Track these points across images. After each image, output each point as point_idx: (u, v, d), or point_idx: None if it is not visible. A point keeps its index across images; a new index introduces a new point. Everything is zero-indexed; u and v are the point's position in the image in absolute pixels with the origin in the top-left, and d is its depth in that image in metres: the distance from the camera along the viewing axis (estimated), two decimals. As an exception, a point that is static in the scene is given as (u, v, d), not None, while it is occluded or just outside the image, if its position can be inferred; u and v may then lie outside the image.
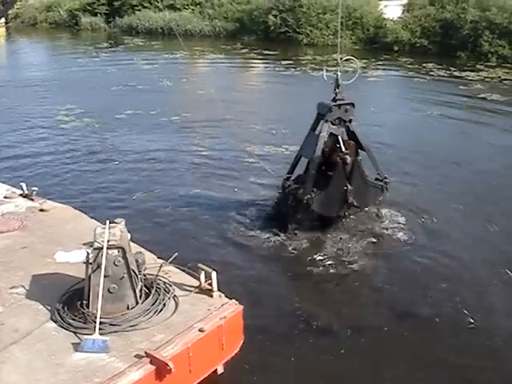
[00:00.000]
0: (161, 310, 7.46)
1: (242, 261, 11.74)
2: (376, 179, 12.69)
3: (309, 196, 11.89)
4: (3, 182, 13.13)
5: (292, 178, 12.75)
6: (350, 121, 11.97)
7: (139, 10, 61.19)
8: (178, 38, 40.62)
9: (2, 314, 7.86)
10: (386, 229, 12.93)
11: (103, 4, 66.50)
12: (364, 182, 12.37)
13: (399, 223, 13.19)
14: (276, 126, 21.49)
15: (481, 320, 9.70)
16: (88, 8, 67.31)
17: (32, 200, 11.78)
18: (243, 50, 44.93)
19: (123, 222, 7.76)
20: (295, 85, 30.72)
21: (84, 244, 9.27)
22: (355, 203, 12.21)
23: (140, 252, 8.20)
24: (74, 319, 7.38)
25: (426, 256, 11.95)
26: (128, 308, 7.36)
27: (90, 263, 7.25)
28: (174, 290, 7.87)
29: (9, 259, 9.39)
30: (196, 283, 7.97)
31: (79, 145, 19.84)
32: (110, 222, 7.49)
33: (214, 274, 7.68)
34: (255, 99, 28.28)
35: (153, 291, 7.68)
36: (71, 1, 73.42)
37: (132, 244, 8.02)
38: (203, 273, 7.82)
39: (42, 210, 11.29)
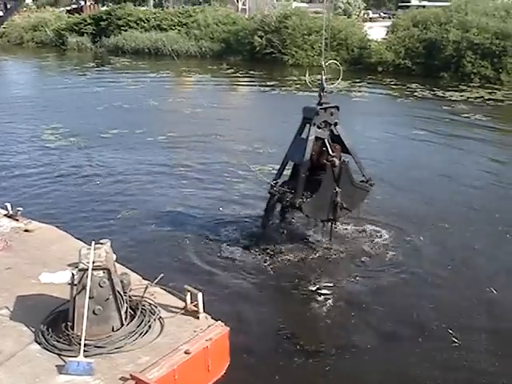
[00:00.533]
0: (146, 332, 7.40)
1: (227, 281, 11.71)
2: (361, 181, 12.68)
3: (301, 200, 11.86)
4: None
5: (279, 184, 12.68)
6: (336, 124, 12.11)
7: (125, 31, 61.52)
8: (172, 53, 40.70)
9: (-14, 336, 7.79)
10: (372, 247, 13.02)
11: (90, 24, 66.79)
12: (351, 184, 12.43)
13: (384, 241, 13.29)
14: (262, 144, 21.59)
15: (464, 338, 9.78)
16: (74, 28, 67.58)
17: (17, 220, 11.69)
18: (229, 70, 45.25)
19: (108, 243, 7.72)
20: (281, 104, 30.95)
21: (69, 265, 9.21)
22: (345, 205, 12.28)
23: (125, 273, 8.16)
24: (58, 341, 7.31)
25: (411, 275, 12.01)
26: (113, 330, 7.30)
27: (75, 284, 7.20)
28: (159, 311, 7.82)
29: (-7, 280, 9.32)
30: (182, 304, 7.93)
31: (64, 164, 19.78)
32: (95, 243, 7.46)
33: (199, 296, 7.65)
34: (241, 119, 28.44)
35: (138, 313, 7.62)
36: (58, 20, 73.72)
37: (117, 265, 7.98)
38: (189, 294, 7.78)
39: (26, 231, 11.20)
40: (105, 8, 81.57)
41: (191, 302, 7.79)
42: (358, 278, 11.86)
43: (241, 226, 14.16)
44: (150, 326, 7.50)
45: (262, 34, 49.76)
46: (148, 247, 13.18)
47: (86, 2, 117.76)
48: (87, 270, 7.07)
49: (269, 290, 11.65)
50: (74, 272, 7.30)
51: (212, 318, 7.74)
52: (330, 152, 11.99)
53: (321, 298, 11.15)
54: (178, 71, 45.63)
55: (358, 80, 39.94)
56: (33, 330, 7.74)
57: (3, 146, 22.26)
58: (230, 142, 22.40)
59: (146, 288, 7.97)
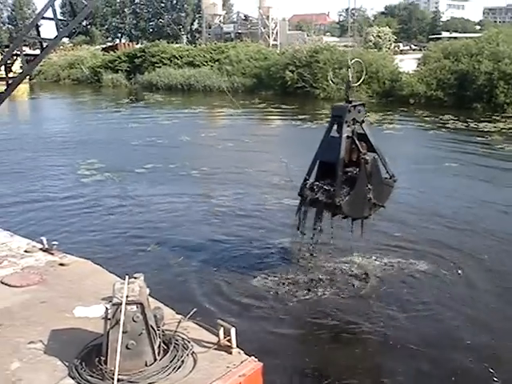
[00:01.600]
0: (179, 367, 7.36)
1: (261, 315, 11.58)
2: (385, 178, 12.58)
3: (341, 198, 11.65)
4: (24, 236, 13.27)
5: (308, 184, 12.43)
6: (363, 121, 12.02)
7: (159, 67, 62.84)
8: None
9: (20, 370, 7.83)
10: (411, 280, 12.82)
11: (124, 61, 68.46)
12: (380, 181, 12.35)
13: (424, 273, 13.10)
14: (295, 178, 21.52)
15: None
16: (110, 65, 69.33)
17: (52, 254, 11.85)
18: (261, 105, 45.66)
19: (142, 277, 7.76)
20: (312, 138, 30.93)
21: (103, 299, 9.27)
22: (376, 202, 12.16)
23: (158, 307, 8.16)
24: (91, 376, 7.31)
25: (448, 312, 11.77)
26: (146, 365, 7.27)
27: (109, 319, 7.23)
28: (192, 346, 7.78)
29: (28, 314, 9.40)
30: (215, 339, 7.88)
31: (99, 199, 20.05)
32: (129, 277, 7.49)
33: (233, 331, 7.60)
34: (273, 152, 28.50)
35: (171, 348, 7.60)
36: (93, 58, 75.77)
37: (150, 299, 7.99)
38: (222, 329, 7.73)
39: (61, 265, 11.33)
40: (139, 46, 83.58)
41: (224, 337, 7.74)
42: (396, 314, 11.62)
43: (273, 259, 14.14)
44: (182, 361, 7.45)
45: (294, 69, 50.26)
46: (180, 280, 13.17)
47: (120, 40, 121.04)
48: (121, 304, 7.09)
49: (303, 325, 11.48)
50: (108, 306, 7.33)
51: (245, 353, 7.67)
52: (361, 149, 11.92)
53: (358, 336, 10.95)
54: (210, 106, 46.26)
55: (389, 112, 39.95)
56: (66, 364, 7.76)
57: (40, 181, 22.69)
58: (263, 175, 22.46)
59: (179, 322, 7.95)
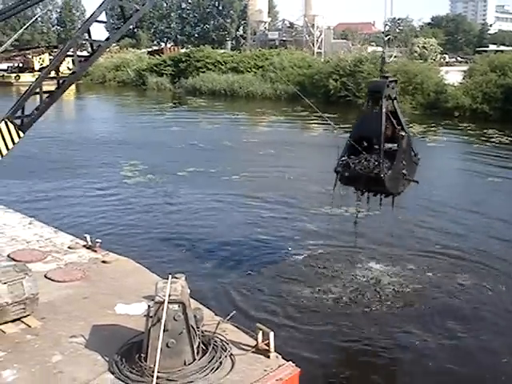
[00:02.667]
0: (217, 368, 7.44)
1: (300, 320, 11.59)
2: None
3: (385, 172, 11.55)
4: (68, 233, 13.57)
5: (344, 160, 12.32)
6: (395, 98, 12.09)
7: (203, 72, 63.37)
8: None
9: (61, 362, 8.01)
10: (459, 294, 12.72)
11: (169, 65, 69.28)
12: (411, 157, 12.33)
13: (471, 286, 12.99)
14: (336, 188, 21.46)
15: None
16: (155, 68, 70.23)
17: (95, 251, 12.10)
18: (303, 113, 45.56)
19: (184, 277, 7.88)
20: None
21: (144, 297, 9.44)
22: (409, 177, 12.11)
23: (198, 308, 8.26)
24: (131, 372, 7.44)
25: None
26: (185, 364, 7.37)
27: (151, 317, 7.34)
28: (230, 348, 7.85)
29: (70, 309, 9.62)
30: (253, 342, 7.93)
31: (141, 200, 20.35)
32: (171, 277, 7.61)
33: (271, 335, 7.64)
34: (315, 161, 28.49)
35: (210, 348, 7.68)
36: (139, 61, 76.88)
37: (191, 299, 8.10)
38: (261, 332, 7.78)
39: (104, 262, 11.56)
40: (184, 50, 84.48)
41: (263, 341, 7.79)
42: (437, 328, 11.51)
43: (312, 265, 14.15)
44: (221, 363, 7.53)
45: (337, 78, 50.09)
46: (219, 282, 13.29)
47: (166, 44, 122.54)
48: (163, 302, 7.21)
49: (344, 333, 11.37)
50: (151, 304, 7.45)
51: (283, 357, 7.70)
52: (396, 125, 11.88)
53: (399, 348, 10.85)
54: (252, 112, 46.45)
55: (433, 124, 39.51)
56: (107, 359, 7.92)
57: (85, 180, 23.15)
58: (303, 183, 22.45)
59: (218, 324, 8.04)
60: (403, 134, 11.88)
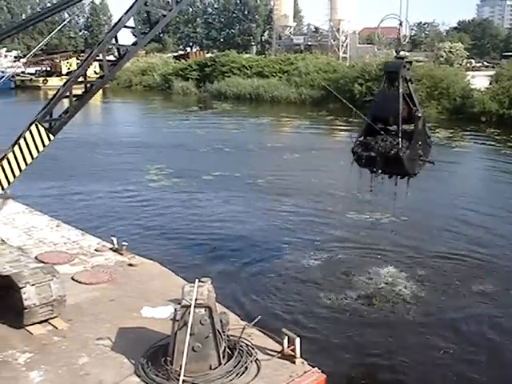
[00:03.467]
0: (242, 373, 7.44)
1: (326, 326, 11.53)
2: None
3: (404, 151, 11.61)
4: (94, 236, 13.70)
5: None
6: (410, 80, 12.01)
7: (229, 77, 63.56)
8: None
9: (88, 364, 8.08)
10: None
11: (195, 70, 69.65)
12: (426, 139, 12.31)
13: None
14: (361, 193, 21.34)
15: None
16: (180, 73, 70.65)
17: (121, 254, 12.20)
18: (328, 117, 45.52)
19: (210, 282, 7.90)
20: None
21: (170, 301, 9.49)
22: (424, 158, 12.07)
23: (224, 312, 8.28)
24: (157, 375, 7.48)
25: None
26: (211, 368, 7.38)
27: (177, 320, 7.38)
28: (256, 353, 7.85)
29: (97, 311, 9.71)
30: (279, 348, 7.92)
31: (167, 203, 20.45)
32: (198, 281, 7.63)
33: (297, 341, 7.62)
34: (340, 165, 28.36)
35: (235, 353, 7.69)
36: (165, 66, 77.40)
37: (217, 304, 8.11)
38: (286, 338, 7.77)
39: (130, 265, 11.66)
40: (210, 55, 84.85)
41: (288, 346, 7.77)
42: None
43: (337, 270, 14.11)
44: (246, 368, 7.53)
45: (362, 82, 49.84)
46: (245, 286, 13.28)
47: (192, 49, 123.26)
48: (190, 306, 7.23)
49: (367, 340, 11.28)
50: (177, 308, 7.48)
51: (309, 363, 7.67)
52: (412, 106, 11.84)
53: (424, 357, 10.70)
54: (277, 117, 46.45)
55: (459, 129, 39.13)
56: (133, 362, 7.97)
57: (111, 184, 23.32)
58: (328, 188, 22.34)
59: (244, 329, 8.04)
60: (419, 114, 11.86)
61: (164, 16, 10.74)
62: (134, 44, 10.84)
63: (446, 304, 12.60)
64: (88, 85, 10.69)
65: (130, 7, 10.57)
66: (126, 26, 10.61)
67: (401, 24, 12.35)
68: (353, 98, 50.12)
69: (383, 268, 14.11)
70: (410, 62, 12.24)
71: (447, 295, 12.97)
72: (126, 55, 10.99)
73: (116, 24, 10.84)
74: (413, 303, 12.50)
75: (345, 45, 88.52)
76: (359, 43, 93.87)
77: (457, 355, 10.67)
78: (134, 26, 10.67)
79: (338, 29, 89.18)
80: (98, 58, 10.61)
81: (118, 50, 10.84)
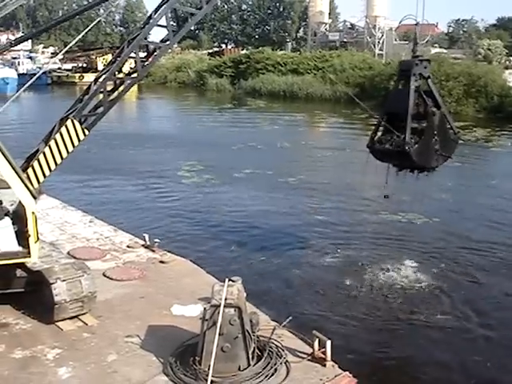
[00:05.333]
0: (272, 375, 7.33)
1: (358, 330, 11.28)
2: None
3: (410, 146, 12.01)
4: (127, 232, 13.73)
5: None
6: (428, 77, 12.36)
7: (263, 74, 63.41)
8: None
9: (116, 362, 8.06)
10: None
11: (229, 67, 69.70)
12: (447, 134, 12.63)
13: None
14: (394, 192, 20.97)
15: None
16: (215, 70, 70.79)
17: (153, 251, 12.20)
18: (363, 115, 44.89)
19: (240, 281, 7.80)
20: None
21: (200, 299, 9.42)
22: (442, 153, 12.43)
23: (254, 312, 8.18)
24: (185, 375, 7.42)
25: None
26: (239, 369, 7.29)
27: (206, 320, 7.30)
28: (286, 355, 7.72)
29: (127, 308, 9.70)
30: (309, 350, 7.79)
31: (199, 200, 20.42)
32: (228, 280, 7.53)
33: (328, 343, 7.48)
34: (374, 165, 28.01)
35: (265, 354, 7.57)
36: (199, 62, 77.70)
37: (247, 303, 8.00)
38: (317, 340, 7.63)
39: (161, 262, 11.64)
40: (244, 51, 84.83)
41: (319, 349, 7.63)
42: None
43: (367, 271, 13.84)
44: (276, 370, 7.41)
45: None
46: (277, 286, 13.10)
47: (227, 46, 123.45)
48: (219, 306, 7.14)
49: (400, 343, 11.02)
50: (206, 307, 7.40)
51: (339, 367, 7.52)
52: (428, 102, 12.17)
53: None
54: (311, 114, 46.18)
55: (497, 128, 38.30)
56: (161, 360, 7.92)
57: (145, 180, 23.41)
58: (361, 188, 22.02)
59: (274, 329, 7.93)
60: (434, 110, 12.20)
61: (193, 15, 10.77)
62: (166, 42, 10.89)
63: (486, 308, 12.30)
64: (117, 81, 10.77)
65: (160, 4, 10.69)
66: (159, 25, 10.72)
67: (417, 24, 12.75)
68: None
69: (415, 269, 13.84)
70: (429, 60, 12.62)
71: (487, 301, 12.66)
72: (158, 53, 11.07)
73: (147, 22, 10.94)
74: (446, 307, 12.22)
75: (381, 41, 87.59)
76: (395, 40, 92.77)
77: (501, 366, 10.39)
78: (166, 24, 10.72)
79: (375, 25, 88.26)
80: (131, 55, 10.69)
81: (147, 46, 10.94)
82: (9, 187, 9.04)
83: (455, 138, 12.98)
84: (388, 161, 12.85)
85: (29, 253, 8.87)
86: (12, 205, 9.22)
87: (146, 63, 10.92)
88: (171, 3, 10.31)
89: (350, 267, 14.21)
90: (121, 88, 10.77)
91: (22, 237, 8.91)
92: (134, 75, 10.84)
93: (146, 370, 7.82)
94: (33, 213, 8.75)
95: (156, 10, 10.94)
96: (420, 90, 12.26)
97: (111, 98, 10.58)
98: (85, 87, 10.98)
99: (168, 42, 10.74)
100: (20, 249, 8.91)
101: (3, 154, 8.63)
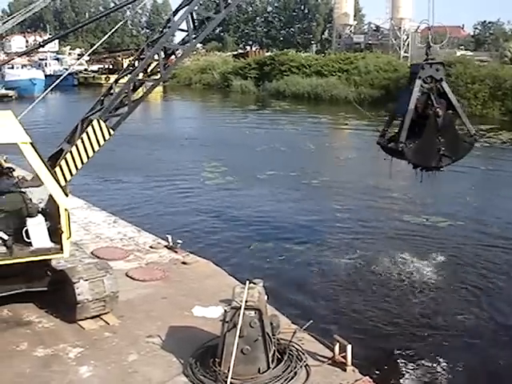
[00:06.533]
0: (292, 379, 7.30)
1: (379, 333, 11.18)
2: (466, 135, 13.15)
3: (403, 145, 12.46)
4: (150, 233, 13.80)
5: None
6: (441, 79, 12.64)
7: (287, 75, 63.30)
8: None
9: (137, 362, 8.11)
10: None
11: (254, 68, 69.71)
12: (456, 136, 12.91)
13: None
14: (416, 194, 20.82)
15: None
16: (239, 72, 70.86)
17: (176, 252, 12.25)
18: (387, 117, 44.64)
19: (261, 283, 7.80)
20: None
21: (221, 301, 9.43)
22: (447, 154, 12.68)
23: (275, 315, 8.16)
24: (205, 376, 7.43)
25: None
26: (259, 372, 7.27)
27: (227, 322, 7.30)
28: (306, 358, 7.69)
29: (149, 308, 9.76)
30: (329, 354, 7.75)
31: (221, 202, 20.45)
32: (249, 282, 7.53)
33: (349, 348, 7.43)
34: (398, 167, 27.81)
35: (285, 357, 7.55)
36: (224, 64, 77.87)
37: (267, 306, 7.99)
38: (338, 344, 7.59)
39: (184, 263, 11.68)
40: (269, 53, 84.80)
41: (339, 353, 7.59)
42: None
43: (390, 274, 13.73)
44: (295, 373, 7.39)
45: (424, 82, 48.78)
46: (298, 289, 13.05)
47: (251, 47, 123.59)
48: (240, 308, 7.14)
49: (426, 350, 10.81)
50: (227, 309, 7.40)
51: (360, 372, 7.47)
52: (435, 104, 12.48)
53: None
54: (335, 116, 46.00)
55: (526, 132, 37.80)
56: (182, 361, 7.94)
57: (168, 180, 23.50)
58: (385, 190, 21.88)
59: (295, 333, 7.90)
60: (438, 111, 12.40)
61: (209, 18, 11.07)
62: (186, 44, 11.22)
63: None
64: (140, 83, 11.00)
65: (178, 9, 11.27)
66: (180, 29, 11.01)
67: (429, 29, 13.14)
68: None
69: (439, 272, 13.74)
70: (441, 63, 12.92)
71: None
72: (179, 55, 11.36)
73: (166, 25, 11.42)
74: (471, 311, 12.07)
75: (406, 44, 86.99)
76: (421, 42, 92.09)
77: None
78: (187, 29, 11.00)
79: (400, 28, 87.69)
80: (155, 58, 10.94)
81: (172, 50, 11.17)
82: (36, 186, 9.20)
83: (470, 140, 13.13)
84: (397, 157, 13.28)
85: (61, 249, 8.98)
86: (40, 203, 9.34)
87: (168, 65, 11.16)
88: (191, 7, 10.66)
89: (372, 270, 14.12)
90: (143, 89, 11.04)
91: (53, 233, 9.02)
92: (157, 77, 11.06)
93: (166, 370, 7.85)
94: (66, 210, 8.84)
95: (174, 14, 11.48)
96: (430, 92, 12.55)
97: (135, 98, 10.78)
98: (118, 89, 11.23)
99: (188, 45, 11.11)
100: (52, 245, 8.99)
101: (38, 153, 8.78)
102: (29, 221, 8.94)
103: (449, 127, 12.68)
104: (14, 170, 9.25)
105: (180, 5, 11.07)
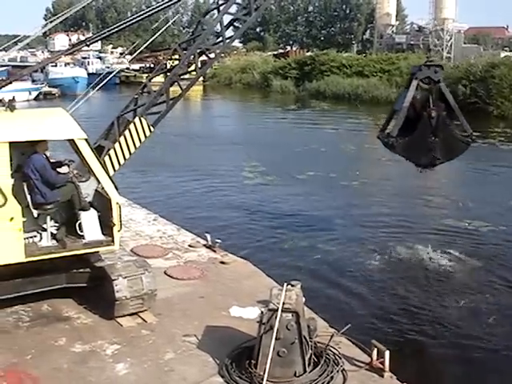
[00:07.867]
0: (328, 383, 7.22)
1: (417, 339, 10.98)
2: (463, 135, 13.92)
3: (394, 140, 13.32)
4: (190, 231, 13.85)
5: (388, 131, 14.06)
6: (439, 81, 13.32)
7: (328, 76, 62.92)
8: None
9: (173, 360, 8.13)
10: None
11: (294, 68, 69.55)
12: (451, 136, 13.58)
13: None
14: (461, 199, 20.44)
15: None
16: (280, 71, 70.77)
17: (214, 251, 12.27)
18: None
19: (299, 285, 7.74)
20: (482, 158, 29.19)
21: (258, 302, 9.39)
22: (438, 154, 13.52)
23: (313, 318, 8.09)
24: (240, 377, 7.40)
25: None
26: (295, 375, 7.21)
27: (263, 323, 7.27)
28: (343, 363, 7.60)
29: (186, 307, 9.78)
30: (367, 359, 7.64)
31: (261, 202, 20.41)
32: (287, 284, 7.48)
33: (387, 353, 7.31)
34: (438, 171, 27.36)
35: (322, 361, 7.47)
36: (264, 64, 77.88)
37: (305, 308, 7.92)
38: (376, 350, 7.48)
39: (222, 263, 11.68)
40: (309, 53, 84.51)
41: (377, 359, 7.47)
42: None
43: (434, 280, 13.53)
44: (332, 377, 7.31)
45: (467, 83, 47.85)
46: (336, 292, 12.94)
47: (292, 47, 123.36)
48: (277, 310, 7.09)
49: (465, 358, 10.56)
50: (264, 310, 7.36)
51: (397, 378, 7.34)
52: (431, 104, 13.22)
53: None
54: (376, 117, 45.52)
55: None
56: (217, 362, 7.93)
57: (209, 179, 23.61)
58: (426, 193, 21.54)
59: (332, 336, 7.81)
60: (432, 112, 13.11)
61: (237, 20, 12.01)
62: (219, 44, 11.68)
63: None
64: (172, 81, 11.34)
65: (207, 11, 12.48)
66: (216, 33, 11.27)
67: (430, 33, 13.66)
68: (456, 99, 48.50)
69: (479, 278, 13.53)
70: (440, 66, 13.77)
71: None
72: (213, 57, 12.04)
73: (197, 26, 11.98)
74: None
75: (449, 44, 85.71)
76: (464, 43, 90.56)
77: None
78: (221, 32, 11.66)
79: (443, 28, 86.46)
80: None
81: (206, 51, 11.41)
82: (84, 181, 9.36)
83: (466, 140, 13.96)
84: (390, 151, 14.34)
85: (112, 241, 9.13)
86: (86, 197, 9.48)
87: (202, 66, 11.70)
88: (224, 11, 11.22)
89: (410, 273, 13.96)
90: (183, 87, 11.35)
91: (103, 226, 9.20)
92: (193, 76, 11.74)
93: (201, 370, 7.85)
94: (117, 203, 8.97)
95: (204, 15, 12.45)
96: (429, 93, 13.37)
97: (173, 97, 11.22)
98: (152, 87, 11.47)
99: (221, 45, 11.69)
100: (104, 238, 9.15)
101: (91, 149, 9.00)
102: (82, 214, 9.14)
103: (445, 127, 13.34)
104: (74, 163, 9.43)
105: (210, 7, 12.05)
